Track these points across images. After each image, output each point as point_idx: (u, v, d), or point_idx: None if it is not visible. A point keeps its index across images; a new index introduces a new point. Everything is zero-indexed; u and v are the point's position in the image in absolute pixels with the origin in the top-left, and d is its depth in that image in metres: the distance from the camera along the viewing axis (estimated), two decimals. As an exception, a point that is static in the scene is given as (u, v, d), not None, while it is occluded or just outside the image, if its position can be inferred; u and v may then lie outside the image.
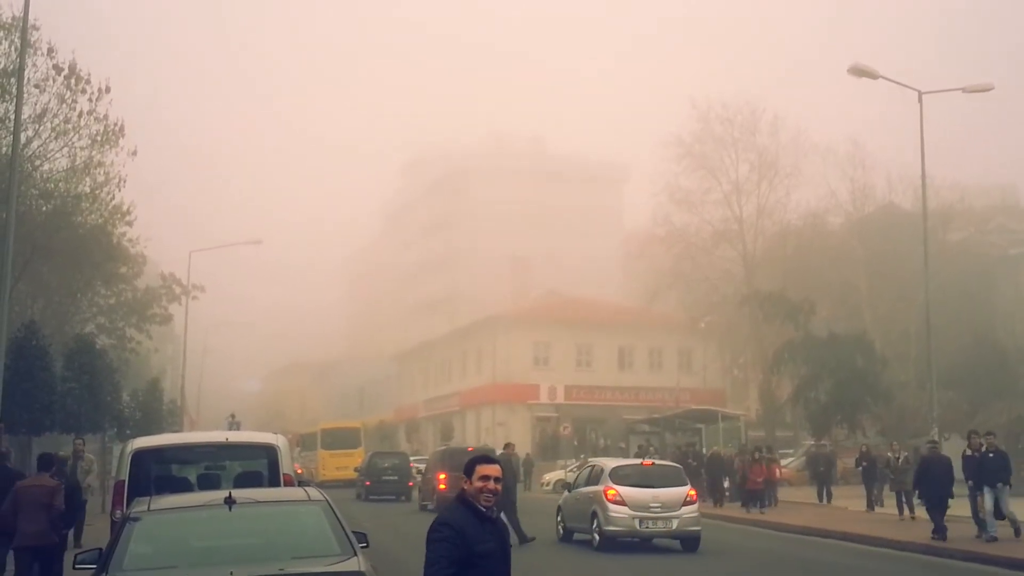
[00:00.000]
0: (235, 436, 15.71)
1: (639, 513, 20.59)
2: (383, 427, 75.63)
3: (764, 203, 57.28)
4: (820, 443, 40.23)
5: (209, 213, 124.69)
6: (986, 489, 21.03)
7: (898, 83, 30.54)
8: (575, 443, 59.51)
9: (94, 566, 8.40)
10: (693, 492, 21.43)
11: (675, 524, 20.60)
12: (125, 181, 42.12)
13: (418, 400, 79.55)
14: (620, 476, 21.58)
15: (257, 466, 13.21)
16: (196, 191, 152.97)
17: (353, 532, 8.55)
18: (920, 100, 29.74)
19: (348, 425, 64.02)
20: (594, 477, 22.46)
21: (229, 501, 8.58)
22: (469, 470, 6.53)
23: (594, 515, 21.25)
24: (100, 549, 8.98)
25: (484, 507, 6.39)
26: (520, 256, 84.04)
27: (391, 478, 41.69)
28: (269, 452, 13.10)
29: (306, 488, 9.98)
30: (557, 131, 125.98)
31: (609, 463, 23.43)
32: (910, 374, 46.38)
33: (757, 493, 31.20)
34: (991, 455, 21.45)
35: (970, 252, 53.97)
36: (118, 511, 11.89)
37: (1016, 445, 39.46)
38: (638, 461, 25.58)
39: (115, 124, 40.21)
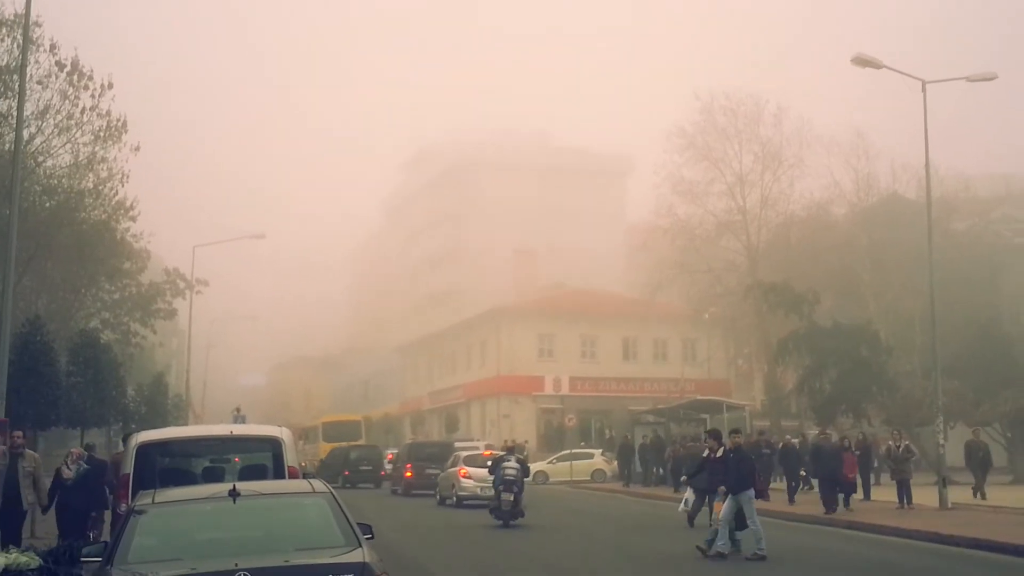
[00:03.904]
0: (239, 429, 15.71)
1: (480, 484, 29.98)
2: (388, 419, 75.79)
3: (768, 194, 57.24)
4: (825, 433, 40.17)
5: (213, 208, 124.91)
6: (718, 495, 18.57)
7: (902, 73, 30.44)
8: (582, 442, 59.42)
9: (100, 559, 8.42)
10: None
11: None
12: (128, 177, 42.20)
13: (423, 392, 79.66)
14: (469, 461, 32.32)
15: (262, 459, 13.22)
16: (199, 186, 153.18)
17: (358, 524, 8.56)
18: (924, 89, 29.62)
19: (349, 418, 64.43)
20: (454, 462, 33.39)
21: (233, 494, 8.59)
22: None
23: (453, 486, 32.07)
24: (106, 542, 9.01)
25: None
26: (524, 249, 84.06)
27: (367, 468, 46.78)
28: (274, 445, 13.12)
29: (310, 480, 9.99)
30: (560, 124, 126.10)
31: (463, 454, 34.28)
32: (915, 363, 46.35)
33: (847, 485, 27.78)
34: (731, 455, 18.73)
35: (974, 241, 53.92)
36: (123, 504, 11.93)
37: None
38: (480, 451, 35.31)
39: (118, 120, 40.28)
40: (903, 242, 48.53)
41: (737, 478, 18.28)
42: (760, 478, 19.63)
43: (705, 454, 20.09)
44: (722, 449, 19.06)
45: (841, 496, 27.28)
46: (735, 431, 20.09)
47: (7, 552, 12.66)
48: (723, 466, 18.76)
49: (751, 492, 18.29)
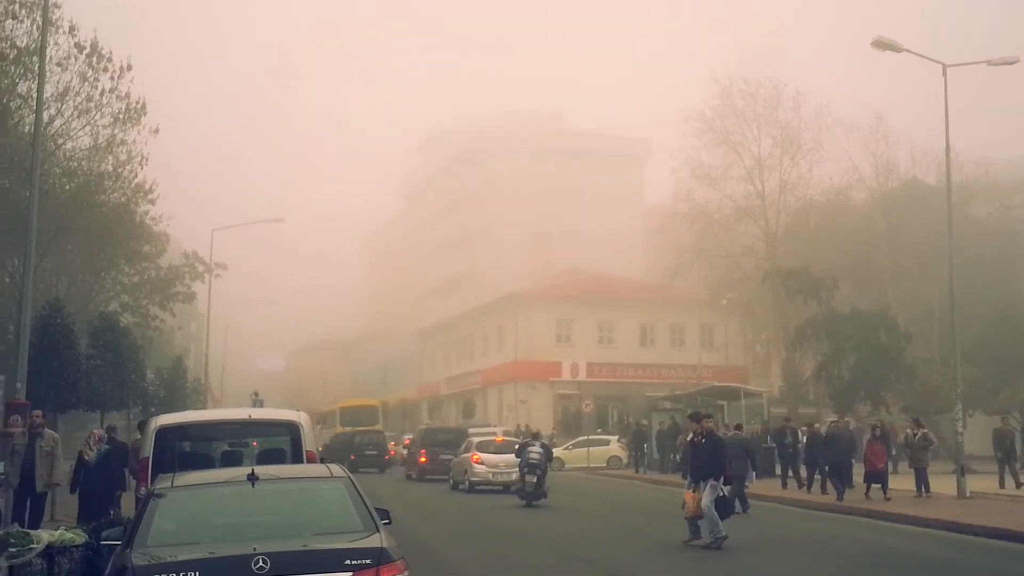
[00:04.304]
0: (258, 413, 15.76)
1: (491, 470, 31.84)
2: (405, 404, 75.96)
3: (786, 178, 57.02)
4: (843, 420, 40.05)
5: (231, 192, 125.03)
6: (700, 483, 18.01)
7: (922, 56, 30.23)
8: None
9: (119, 542, 8.47)
10: None
11: (514, 476, 29.21)
12: (147, 159, 42.29)
13: (440, 377, 79.78)
14: (481, 447, 33.14)
15: (280, 443, 13.26)
16: (218, 170, 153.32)
17: (376, 508, 8.59)
18: (944, 73, 29.42)
19: (366, 403, 64.60)
20: (467, 447, 34.20)
21: (252, 478, 8.64)
22: None
23: (466, 471, 32.72)
24: (125, 525, 9.05)
25: None
26: (541, 233, 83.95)
27: (371, 453, 47.29)
28: (292, 429, 13.15)
29: (328, 465, 10.02)
30: (577, 107, 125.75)
31: (476, 439, 34.74)
32: (934, 350, 46.11)
33: (879, 475, 27.08)
34: (703, 441, 18.38)
35: (995, 227, 53.52)
36: (142, 487, 12.00)
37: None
38: (493, 437, 35.96)
39: (137, 102, 40.36)
40: (923, 228, 48.24)
41: (709, 464, 17.90)
42: (731, 465, 19.14)
43: (689, 438, 19.61)
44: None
45: (866, 485, 26.96)
46: (706, 416, 19.27)
47: (52, 529, 12.82)
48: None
49: (720, 480, 17.94)
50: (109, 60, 39.07)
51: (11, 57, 36.16)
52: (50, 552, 11.77)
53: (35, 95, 28.38)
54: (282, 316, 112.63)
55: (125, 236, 43.68)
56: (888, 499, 26.13)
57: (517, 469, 28.06)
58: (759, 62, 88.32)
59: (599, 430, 54.76)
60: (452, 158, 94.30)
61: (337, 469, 9.37)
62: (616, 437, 51.45)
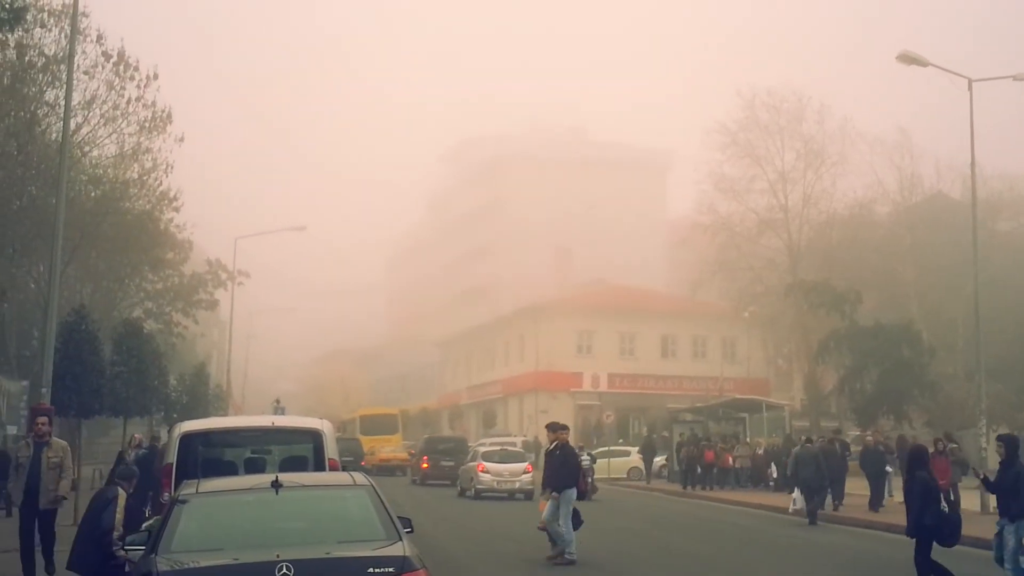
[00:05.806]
0: (281, 421, 15.84)
1: (496, 478, 33.59)
2: (426, 413, 75.97)
3: (810, 192, 56.84)
4: (862, 434, 39.90)
5: (255, 199, 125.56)
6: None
7: (947, 71, 30.15)
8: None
9: (143, 548, 8.52)
10: (530, 466, 34.15)
11: (517, 485, 33.28)
12: (172, 167, 42.55)
13: (461, 387, 79.76)
14: (487, 456, 34.84)
15: (302, 451, 13.32)
16: (242, 177, 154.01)
17: (398, 517, 8.61)
18: (970, 88, 29.35)
19: (386, 411, 64.70)
20: (473, 456, 36.17)
21: (276, 485, 8.67)
22: None
23: (472, 479, 34.46)
24: (150, 531, 9.11)
25: None
26: (563, 245, 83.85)
27: (348, 459, 45.68)
28: (314, 437, 13.22)
29: (352, 473, 10.05)
30: (600, 119, 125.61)
31: (481, 449, 36.85)
32: (957, 365, 45.94)
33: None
34: (557, 452, 17.95)
35: (1020, 242, 53.34)
36: (166, 494, 12.07)
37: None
38: (499, 447, 37.42)
39: (162, 111, 40.64)
40: (947, 242, 48.09)
41: (562, 476, 17.48)
42: (585, 479, 18.70)
43: (549, 448, 18.84)
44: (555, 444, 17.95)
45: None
46: (561, 427, 18.54)
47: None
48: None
49: (572, 492, 17.47)
50: (136, 69, 39.40)
51: (39, 65, 36.48)
52: None
53: (63, 103, 28.63)
54: (304, 323, 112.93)
55: (149, 243, 43.91)
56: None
57: (519, 478, 33.16)
58: (783, 75, 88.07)
59: (620, 440, 54.65)
60: (475, 169, 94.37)
61: (360, 477, 9.41)
62: (636, 448, 51.33)
